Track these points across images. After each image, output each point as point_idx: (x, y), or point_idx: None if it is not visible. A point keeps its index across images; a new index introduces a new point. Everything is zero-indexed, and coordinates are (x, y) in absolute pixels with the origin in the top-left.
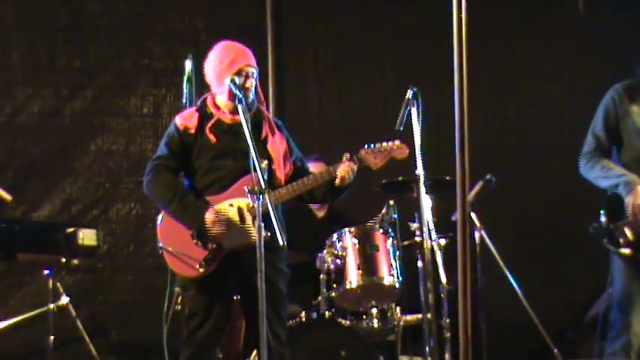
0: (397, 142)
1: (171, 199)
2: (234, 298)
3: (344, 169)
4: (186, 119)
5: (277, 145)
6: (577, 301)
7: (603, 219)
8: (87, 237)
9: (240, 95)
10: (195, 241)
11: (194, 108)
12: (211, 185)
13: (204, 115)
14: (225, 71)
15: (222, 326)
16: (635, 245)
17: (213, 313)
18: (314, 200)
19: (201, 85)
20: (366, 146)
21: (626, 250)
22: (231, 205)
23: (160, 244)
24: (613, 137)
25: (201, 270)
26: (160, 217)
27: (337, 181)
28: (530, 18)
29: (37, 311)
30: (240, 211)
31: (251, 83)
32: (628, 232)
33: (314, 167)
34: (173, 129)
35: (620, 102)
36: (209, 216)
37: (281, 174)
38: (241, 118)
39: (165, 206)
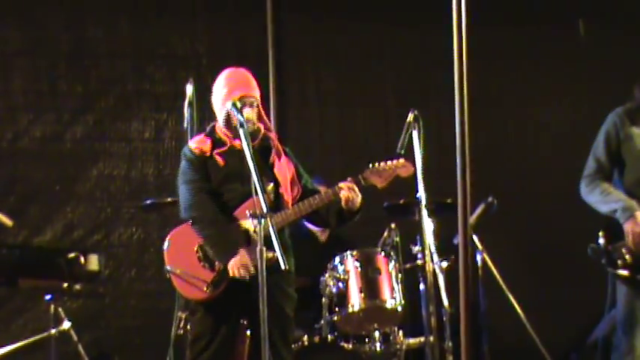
0: (401, 160)
1: (213, 222)
2: (241, 321)
3: (344, 189)
4: (199, 143)
5: (284, 169)
6: (580, 324)
7: (601, 240)
8: (89, 262)
9: (242, 119)
10: (202, 263)
11: (203, 134)
12: (220, 208)
13: (215, 140)
14: (225, 100)
15: (227, 350)
16: (633, 267)
17: (218, 336)
18: (328, 224)
19: (202, 110)
20: (370, 165)
21: (624, 272)
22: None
23: (168, 268)
24: (614, 160)
25: (209, 292)
26: (166, 243)
27: (342, 203)
28: (531, 41)
29: (39, 337)
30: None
31: (250, 112)
32: (626, 254)
33: None
34: (189, 155)
35: (622, 125)
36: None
37: (288, 197)
38: (242, 141)
39: (202, 229)
